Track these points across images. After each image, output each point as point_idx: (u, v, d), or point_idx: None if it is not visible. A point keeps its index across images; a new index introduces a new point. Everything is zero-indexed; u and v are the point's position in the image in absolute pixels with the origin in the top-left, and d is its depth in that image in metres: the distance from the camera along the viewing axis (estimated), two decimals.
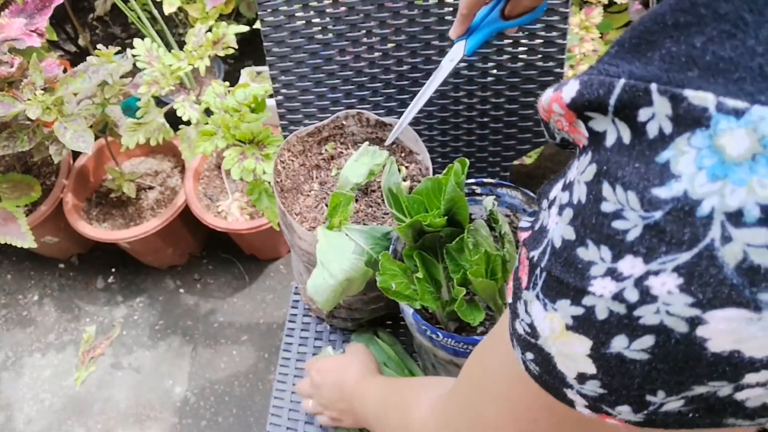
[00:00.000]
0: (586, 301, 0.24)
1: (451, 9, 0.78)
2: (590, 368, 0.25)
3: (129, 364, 1.59)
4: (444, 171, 0.62)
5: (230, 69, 1.79)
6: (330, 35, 0.82)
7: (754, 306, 0.20)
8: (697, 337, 0.21)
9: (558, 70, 0.81)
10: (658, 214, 0.21)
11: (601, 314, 0.23)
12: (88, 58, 1.19)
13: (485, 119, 0.86)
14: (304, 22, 0.82)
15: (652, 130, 0.22)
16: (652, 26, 0.22)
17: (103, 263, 1.78)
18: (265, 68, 1.57)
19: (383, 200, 0.74)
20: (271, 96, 0.92)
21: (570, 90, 0.24)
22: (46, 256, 1.78)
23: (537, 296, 0.27)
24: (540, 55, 0.80)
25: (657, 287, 0.22)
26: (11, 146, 1.17)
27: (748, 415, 0.23)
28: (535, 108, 0.84)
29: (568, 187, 0.26)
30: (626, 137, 0.23)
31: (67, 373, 1.60)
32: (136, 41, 1.19)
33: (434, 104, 0.86)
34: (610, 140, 0.23)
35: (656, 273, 0.22)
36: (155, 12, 1.48)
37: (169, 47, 1.54)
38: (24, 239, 1.30)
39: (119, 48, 1.24)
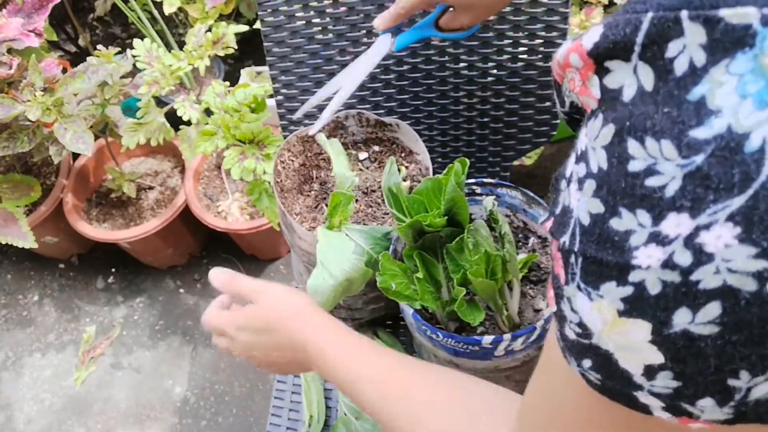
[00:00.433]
0: (633, 277, 0.21)
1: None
2: (657, 357, 0.21)
3: (129, 364, 1.59)
4: (444, 171, 0.62)
5: (230, 69, 1.79)
6: (330, 35, 0.82)
7: None
8: None
9: None
10: (699, 159, 0.19)
11: (654, 288, 0.21)
12: (88, 58, 1.19)
13: (485, 119, 0.86)
14: (304, 22, 0.82)
15: (680, 67, 0.19)
16: None
17: (103, 263, 1.78)
18: (265, 68, 1.57)
19: (383, 200, 0.74)
20: (271, 96, 0.92)
21: (593, 35, 0.22)
22: (46, 256, 1.78)
23: (578, 287, 0.24)
24: (540, 55, 0.80)
25: (711, 243, 0.19)
26: (11, 147, 1.17)
27: None
28: (536, 108, 0.84)
29: (581, 157, 0.24)
30: (648, 83, 0.20)
31: (67, 373, 1.60)
32: (136, 41, 1.19)
33: (434, 104, 0.86)
34: (628, 94, 0.21)
35: (707, 227, 0.19)
36: (155, 12, 1.48)
37: (169, 47, 1.54)
38: (25, 239, 1.30)
39: (119, 48, 1.24)
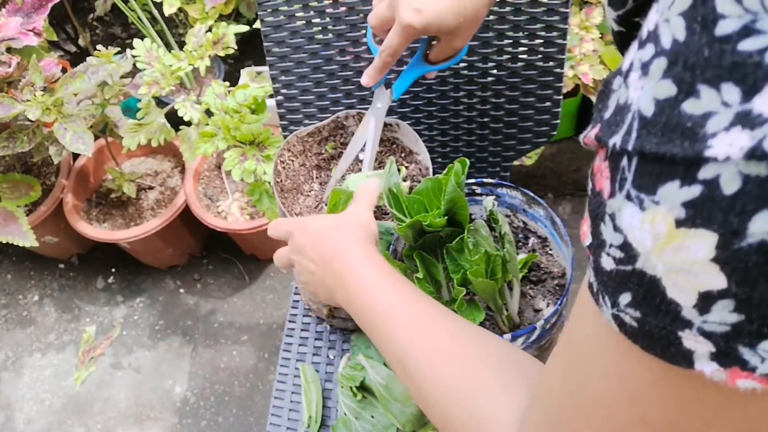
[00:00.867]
0: (705, 173, 0.17)
1: None
2: (718, 280, 0.18)
3: (129, 364, 1.59)
4: (444, 171, 0.62)
5: (230, 69, 1.79)
6: (330, 35, 0.82)
7: None
8: None
9: (558, 70, 0.81)
10: None
11: (730, 186, 0.17)
12: (88, 58, 1.19)
13: (485, 119, 0.86)
14: (304, 22, 0.82)
15: None
16: None
17: (103, 263, 1.78)
18: (265, 68, 1.57)
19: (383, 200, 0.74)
20: (271, 96, 0.92)
21: None
22: (46, 256, 1.78)
23: (628, 195, 0.20)
24: (540, 55, 0.80)
25: None
26: (11, 147, 1.17)
27: None
28: (536, 108, 0.84)
29: (648, 39, 0.20)
30: None
31: (67, 373, 1.60)
32: (136, 41, 1.19)
33: (434, 104, 0.86)
34: None
35: None
36: (155, 12, 1.48)
37: (169, 47, 1.54)
38: (25, 239, 1.30)
39: (119, 48, 1.24)
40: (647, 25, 0.20)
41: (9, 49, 1.13)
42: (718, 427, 0.22)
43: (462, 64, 0.82)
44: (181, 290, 1.71)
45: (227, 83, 1.12)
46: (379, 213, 0.77)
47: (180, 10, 1.49)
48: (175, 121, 1.24)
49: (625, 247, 0.21)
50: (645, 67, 0.20)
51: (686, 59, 0.18)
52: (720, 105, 0.17)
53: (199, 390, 1.52)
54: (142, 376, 1.56)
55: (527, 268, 0.70)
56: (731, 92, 0.17)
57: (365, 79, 0.67)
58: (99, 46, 1.22)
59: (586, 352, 0.27)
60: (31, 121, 1.13)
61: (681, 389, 0.21)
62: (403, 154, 0.80)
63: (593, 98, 1.41)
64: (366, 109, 0.82)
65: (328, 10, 0.80)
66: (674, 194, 0.18)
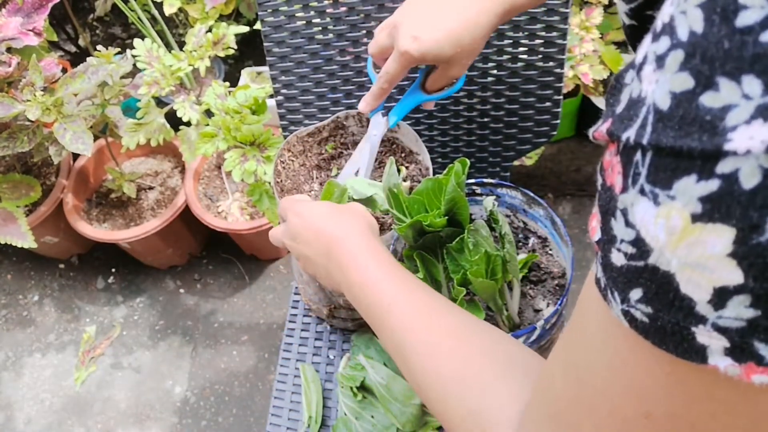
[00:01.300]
0: (723, 167, 0.17)
1: None
2: (734, 276, 0.18)
3: (129, 364, 1.59)
4: (444, 171, 0.62)
5: (230, 69, 1.79)
6: (330, 35, 0.82)
7: None
8: None
9: (558, 70, 0.81)
10: None
11: (749, 181, 0.17)
12: (88, 58, 1.19)
13: (485, 119, 0.86)
14: (304, 22, 0.82)
15: None
16: None
17: (103, 263, 1.78)
18: (266, 68, 1.57)
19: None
20: (271, 96, 0.92)
21: None
22: (46, 256, 1.78)
23: (642, 190, 0.20)
24: (540, 55, 0.80)
25: None
26: (11, 147, 1.17)
27: None
28: (536, 108, 0.84)
29: (663, 31, 0.20)
30: None
31: (67, 373, 1.60)
32: (136, 41, 1.19)
33: (434, 104, 0.86)
34: None
35: None
36: (155, 12, 1.48)
37: (169, 47, 1.54)
38: (24, 239, 1.30)
39: (119, 48, 1.24)
40: (662, 17, 0.20)
41: (9, 49, 1.14)
42: (725, 422, 0.21)
43: None
44: (181, 290, 1.71)
45: (227, 83, 1.12)
46: (380, 213, 0.77)
47: (180, 10, 1.49)
48: (175, 121, 1.24)
49: (638, 242, 0.20)
50: (660, 60, 0.19)
51: (705, 51, 0.17)
52: (740, 98, 0.17)
53: (199, 390, 1.52)
54: (142, 376, 1.56)
55: (527, 268, 0.70)
56: (752, 84, 0.16)
57: (362, 105, 0.68)
58: (99, 47, 1.22)
59: (590, 346, 0.26)
60: (31, 121, 1.13)
61: (690, 384, 0.21)
62: (403, 154, 0.80)
63: (593, 98, 1.41)
64: None
65: (328, 10, 0.80)
66: (691, 189, 0.18)
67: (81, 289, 1.75)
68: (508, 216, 0.75)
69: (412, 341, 0.43)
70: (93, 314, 1.69)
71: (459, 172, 0.61)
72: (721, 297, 0.18)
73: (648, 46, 0.21)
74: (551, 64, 0.80)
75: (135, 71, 1.26)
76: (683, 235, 0.18)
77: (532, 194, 0.70)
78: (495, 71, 0.82)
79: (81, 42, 1.80)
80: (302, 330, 0.92)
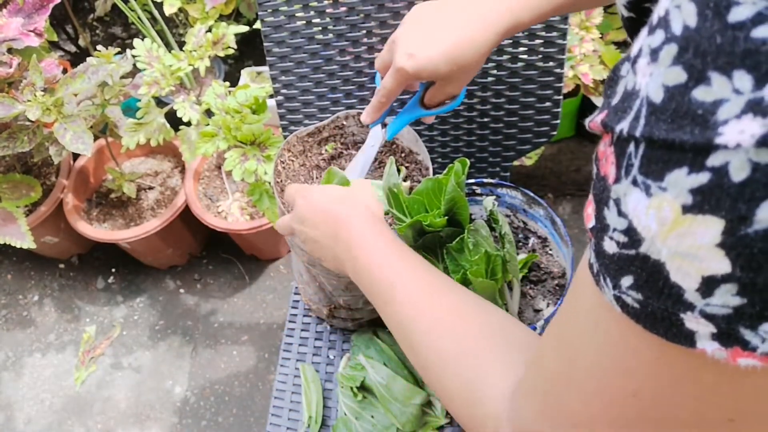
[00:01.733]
0: (714, 160, 0.17)
1: None
2: (722, 265, 0.18)
3: (129, 364, 1.59)
4: (444, 171, 0.62)
5: (230, 69, 1.79)
6: (330, 35, 0.82)
7: None
8: None
9: (558, 70, 0.81)
10: None
11: (739, 174, 0.17)
12: (88, 58, 1.19)
13: (485, 119, 0.86)
14: (304, 22, 0.82)
15: None
16: None
17: (103, 263, 1.78)
18: (266, 68, 1.57)
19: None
20: (271, 96, 0.92)
21: None
22: (46, 256, 1.78)
23: (634, 181, 0.20)
24: (540, 55, 0.80)
25: None
26: (11, 147, 1.17)
27: None
28: (536, 108, 0.84)
29: (658, 25, 0.20)
30: None
31: (67, 373, 1.60)
32: (136, 41, 1.19)
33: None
34: None
35: None
36: (155, 12, 1.48)
37: (169, 47, 1.54)
38: (24, 239, 1.30)
39: (119, 48, 1.24)
40: (658, 11, 0.20)
41: (10, 50, 1.14)
42: (709, 402, 0.22)
43: None
44: (181, 290, 1.71)
45: (227, 83, 1.13)
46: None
47: (180, 10, 1.49)
48: (175, 121, 1.24)
49: (629, 231, 0.21)
50: (654, 54, 0.20)
51: (697, 46, 0.18)
52: (731, 92, 0.17)
53: (199, 390, 1.52)
54: (142, 376, 1.56)
55: (527, 268, 0.70)
56: (743, 80, 0.17)
57: (364, 117, 0.69)
58: (99, 47, 1.22)
59: (582, 326, 0.27)
60: (31, 121, 1.13)
61: (678, 366, 0.22)
62: (403, 154, 0.80)
63: (593, 98, 1.41)
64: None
65: (328, 10, 0.80)
66: (682, 181, 0.18)
67: (81, 289, 1.75)
68: (508, 216, 0.75)
69: (415, 319, 0.44)
70: (93, 314, 1.69)
71: (459, 172, 0.61)
72: (709, 285, 0.19)
73: (643, 39, 0.21)
74: (551, 64, 0.80)
75: (135, 71, 1.26)
76: (674, 226, 0.19)
77: (532, 194, 0.70)
78: (495, 71, 0.82)
79: (81, 42, 1.80)
80: (302, 330, 0.92)
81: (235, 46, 1.21)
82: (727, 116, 0.17)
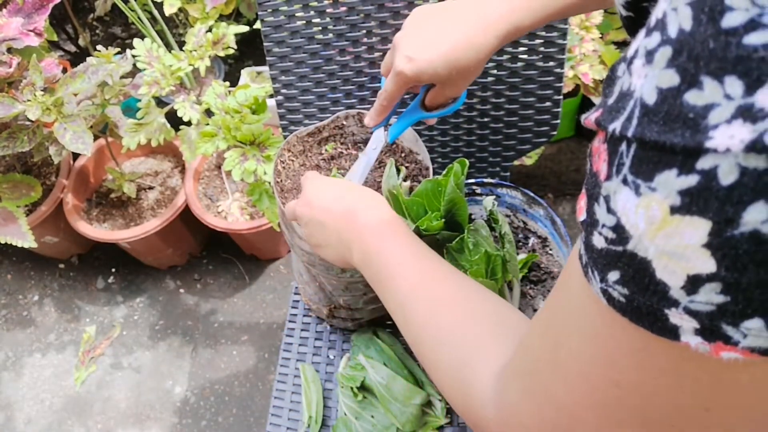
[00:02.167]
0: (703, 163, 0.18)
1: None
2: (707, 265, 0.19)
3: (129, 364, 1.59)
4: (444, 171, 0.62)
5: (230, 69, 1.79)
6: (330, 35, 0.82)
7: None
8: None
9: (558, 70, 0.81)
10: None
11: (727, 178, 0.17)
12: (88, 58, 1.19)
13: (485, 119, 0.86)
14: (304, 22, 0.82)
15: None
16: None
17: (103, 263, 1.78)
18: (266, 68, 1.57)
19: None
20: (271, 96, 0.92)
21: None
22: (46, 256, 1.78)
23: (624, 180, 0.20)
24: (540, 55, 0.80)
25: None
26: (11, 147, 1.17)
27: None
28: (536, 108, 0.84)
29: (655, 27, 0.20)
30: None
31: (67, 373, 1.60)
32: (136, 41, 1.19)
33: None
34: None
35: None
36: (155, 12, 1.48)
37: (169, 47, 1.54)
38: (24, 239, 1.30)
39: (119, 48, 1.24)
40: (656, 12, 0.20)
41: (10, 50, 1.14)
42: (688, 393, 0.23)
43: None
44: (181, 290, 1.71)
45: (227, 83, 1.13)
46: None
47: (180, 10, 1.49)
48: (175, 121, 1.24)
49: (618, 228, 0.21)
50: (650, 55, 0.20)
51: (691, 50, 0.18)
52: (722, 97, 0.17)
53: (199, 390, 1.52)
54: (142, 376, 1.56)
55: (527, 268, 0.70)
56: (734, 85, 0.17)
57: (367, 120, 0.70)
58: (99, 46, 1.22)
59: (569, 313, 0.28)
60: (31, 121, 1.13)
61: (661, 358, 0.22)
62: (403, 154, 0.80)
63: (593, 98, 1.41)
64: (367, 109, 0.82)
65: (328, 10, 0.80)
66: (671, 182, 0.19)
67: (81, 289, 1.75)
68: (508, 216, 0.75)
69: (413, 297, 0.46)
70: (93, 314, 1.69)
71: (458, 173, 0.61)
72: (693, 284, 0.19)
73: (640, 41, 0.21)
74: (551, 63, 0.80)
75: (135, 71, 1.26)
76: (662, 225, 0.19)
77: (532, 194, 0.70)
78: (495, 71, 0.82)
79: (81, 42, 1.80)
80: (302, 330, 0.92)
81: (235, 46, 1.21)
82: (718, 121, 0.17)
